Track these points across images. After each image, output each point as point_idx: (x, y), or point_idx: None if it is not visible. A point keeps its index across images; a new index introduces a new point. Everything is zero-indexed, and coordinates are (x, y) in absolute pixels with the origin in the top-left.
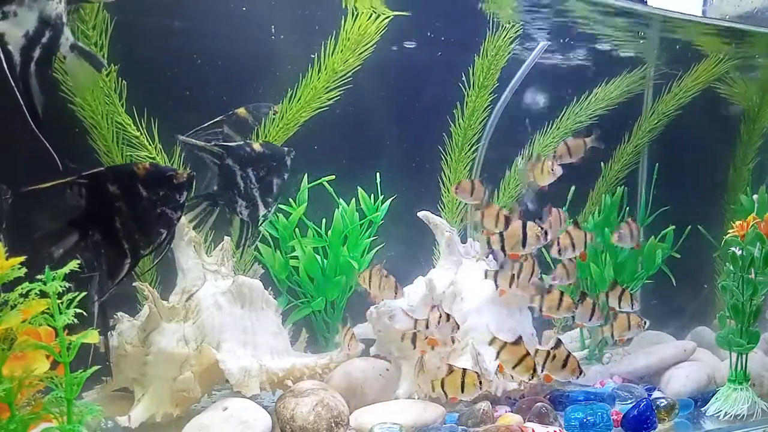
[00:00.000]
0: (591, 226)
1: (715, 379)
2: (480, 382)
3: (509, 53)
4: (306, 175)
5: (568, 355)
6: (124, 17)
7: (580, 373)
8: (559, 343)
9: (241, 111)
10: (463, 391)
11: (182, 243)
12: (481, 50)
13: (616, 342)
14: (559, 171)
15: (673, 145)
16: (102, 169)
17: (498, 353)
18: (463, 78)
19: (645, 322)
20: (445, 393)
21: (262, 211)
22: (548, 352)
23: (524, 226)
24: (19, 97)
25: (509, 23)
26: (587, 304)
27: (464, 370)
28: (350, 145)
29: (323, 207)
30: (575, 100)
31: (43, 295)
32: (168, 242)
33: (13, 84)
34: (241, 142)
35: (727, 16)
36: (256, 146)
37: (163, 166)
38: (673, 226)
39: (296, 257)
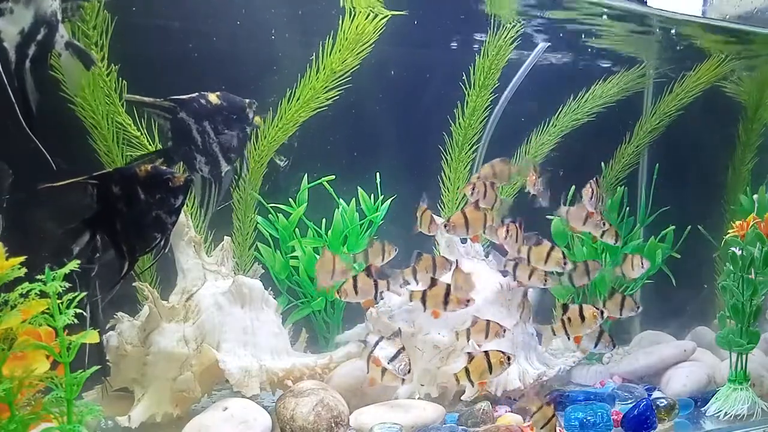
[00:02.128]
0: None
1: (715, 379)
2: (508, 359)
3: (510, 53)
4: (306, 175)
5: (580, 307)
6: (125, 17)
7: (602, 315)
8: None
9: None
10: (491, 373)
11: (182, 243)
12: (482, 50)
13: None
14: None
15: (673, 145)
16: (110, 170)
17: (533, 414)
18: (464, 77)
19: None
20: (471, 381)
21: (224, 167)
22: (562, 320)
23: None
24: (11, 95)
25: (510, 23)
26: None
27: (486, 351)
28: (350, 145)
29: (323, 207)
30: (572, 97)
31: (43, 295)
32: (163, 246)
33: (7, 82)
34: (195, 94)
35: (727, 16)
36: (212, 98)
37: (161, 169)
38: (673, 226)
39: (296, 257)
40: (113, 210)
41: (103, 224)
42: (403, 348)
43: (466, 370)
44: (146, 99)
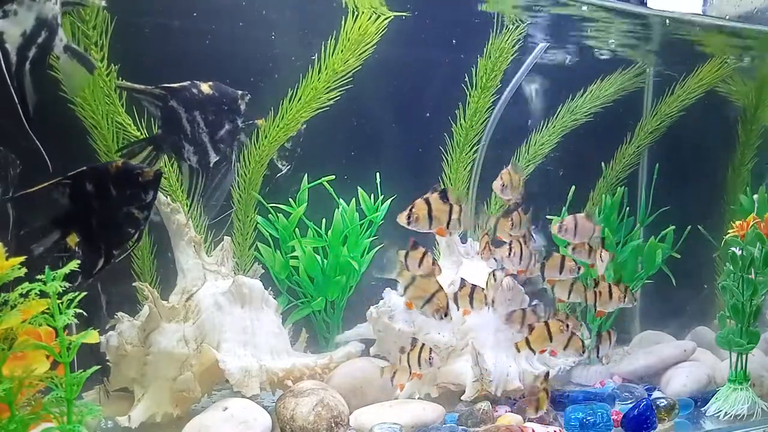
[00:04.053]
0: None
1: (715, 379)
2: (567, 326)
3: (513, 54)
4: (306, 175)
5: (610, 285)
6: (124, 17)
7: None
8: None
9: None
10: (551, 341)
11: (182, 243)
12: (485, 51)
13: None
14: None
15: (673, 145)
16: (83, 169)
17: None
18: (466, 78)
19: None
20: (533, 350)
21: (212, 157)
22: (595, 292)
23: None
24: (14, 95)
25: (513, 24)
26: (605, 337)
27: (546, 322)
28: (350, 145)
29: (323, 207)
30: (570, 98)
31: (42, 295)
32: (136, 240)
33: (9, 83)
34: (186, 83)
35: (727, 16)
36: (204, 87)
37: (131, 164)
38: (673, 226)
39: (296, 257)
40: (87, 208)
41: (78, 222)
42: (423, 344)
43: (527, 340)
44: (137, 86)
